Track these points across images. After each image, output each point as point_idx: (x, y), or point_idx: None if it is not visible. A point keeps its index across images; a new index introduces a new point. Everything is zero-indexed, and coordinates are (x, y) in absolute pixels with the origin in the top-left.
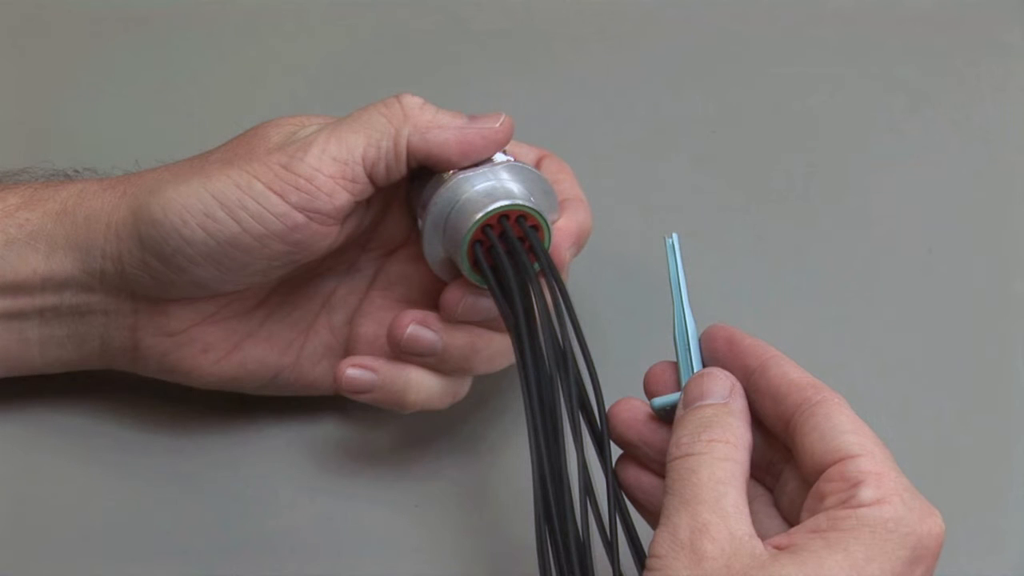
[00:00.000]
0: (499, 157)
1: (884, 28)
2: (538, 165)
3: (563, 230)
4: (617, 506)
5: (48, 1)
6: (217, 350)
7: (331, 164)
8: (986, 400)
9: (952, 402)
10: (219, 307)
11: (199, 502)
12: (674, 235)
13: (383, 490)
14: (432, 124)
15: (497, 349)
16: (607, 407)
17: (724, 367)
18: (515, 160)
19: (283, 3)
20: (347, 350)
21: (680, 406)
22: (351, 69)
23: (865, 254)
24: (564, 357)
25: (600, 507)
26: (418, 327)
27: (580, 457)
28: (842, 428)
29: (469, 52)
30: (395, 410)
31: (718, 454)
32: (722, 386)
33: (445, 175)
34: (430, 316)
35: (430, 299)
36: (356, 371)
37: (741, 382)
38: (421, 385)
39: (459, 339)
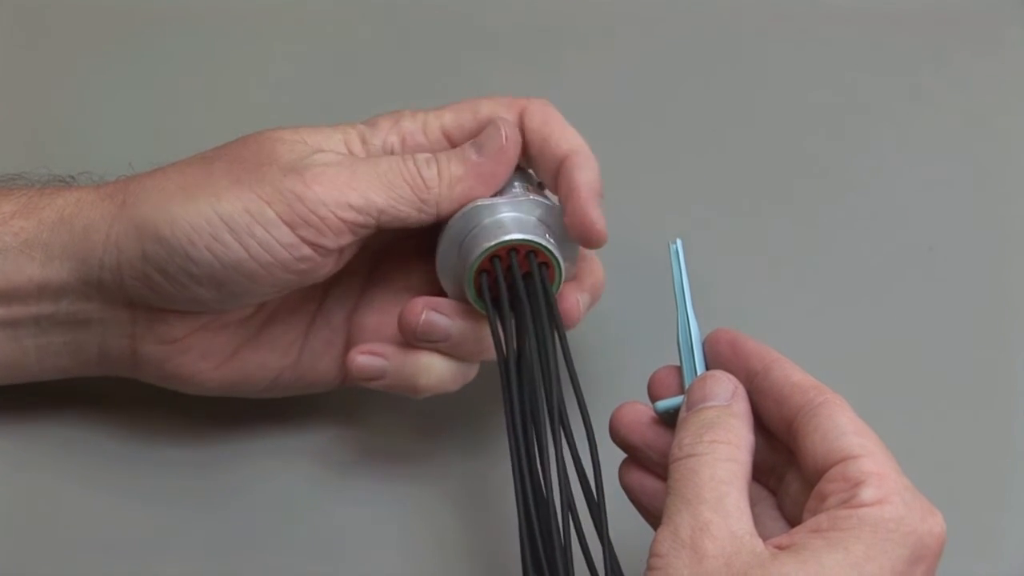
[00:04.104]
0: (526, 188)
1: (885, 25)
2: (520, 120)
3: (584, 187)
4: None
5: (44, 1)
6: (216, 357)
7: (348, 211)
8: (986, 400)
9: (952, 401)
10: (217, 314)
11: (197, 505)
12: (678, 240)
13: (383, 490)
14: (453, 184)
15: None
16: (609, 414)
17: (727, 370)
18: (536, 195)
19: (283, 1)
20: (351, 341)
21: (683, 408)
22: (351, 67)
23: (865, 252)
24: (551, 403)
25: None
26: (432, 313)
27: (565, 500)
28: (844, 429)
29: (471, 48)
30: (407, 395)
31: (720, 455)
32: (725, 388)
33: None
34: (441, 302)
35: (431, 285)
36: (367, 358)
37: (744, 385)
38: (432, 369)
39: (472, 323)
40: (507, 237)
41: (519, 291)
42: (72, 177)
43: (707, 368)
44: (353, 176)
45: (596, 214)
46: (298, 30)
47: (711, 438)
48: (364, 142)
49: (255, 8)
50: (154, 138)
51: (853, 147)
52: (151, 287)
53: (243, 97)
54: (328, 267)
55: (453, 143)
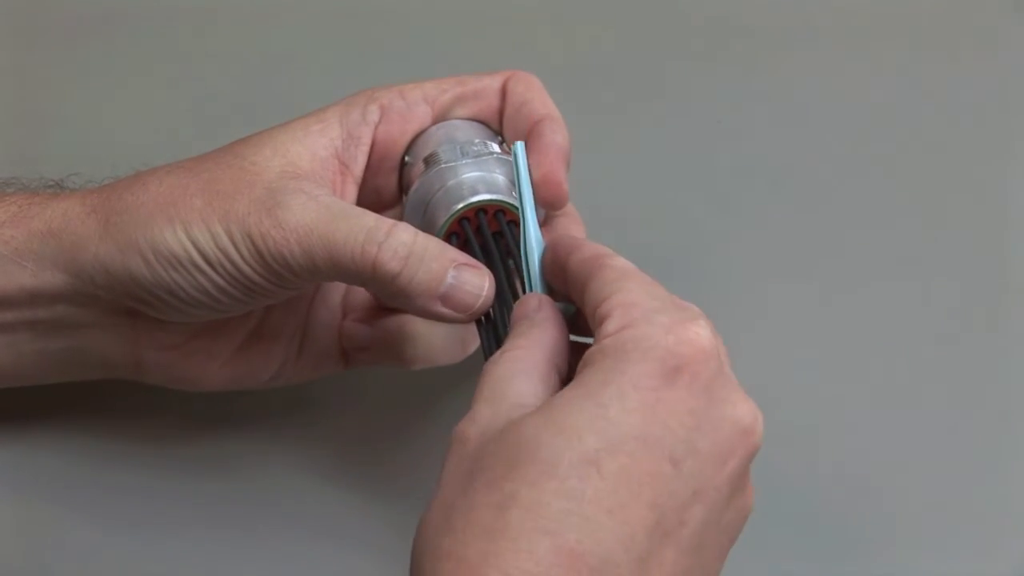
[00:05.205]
0: (491, 146)
1: (888, 19)
2: (504, 86)
3: (554, 147)
4: None
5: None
6: (221, 356)
7: (296, 266)
8: (987, 398)
9: (952, 400)
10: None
11: (195, 507)
12: (518, 143)
13: (385, 490)
14: (392, 283)
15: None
16: None
17: (551, 277)
18: (503, 153)
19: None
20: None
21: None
22: (343, 57)
23: (866, 247)
24: None
25: None
26: None
27: None
28: (605, 279)
29: (467, 35)
30: (402, 366)
31: (506, 357)
32: (528, 305)
33: (433, 161)
34: None
35: None
36: (354, 325)
37: (563, 285)
38: (419, 336)
39: None
40: (475, 198)
41: (493, 253)
42: (58, 183)
43: (542, 277)
44: (309, 233)
45: (562, 175)
46: (288, 27)
47: (503, 350)
48: (341, 122)
49: (245, 7)
50: (141, 137)
51: (855, 140)
52: (145, 303)
53: (231, 96)
54: (308, 287)
55: (435, 109)
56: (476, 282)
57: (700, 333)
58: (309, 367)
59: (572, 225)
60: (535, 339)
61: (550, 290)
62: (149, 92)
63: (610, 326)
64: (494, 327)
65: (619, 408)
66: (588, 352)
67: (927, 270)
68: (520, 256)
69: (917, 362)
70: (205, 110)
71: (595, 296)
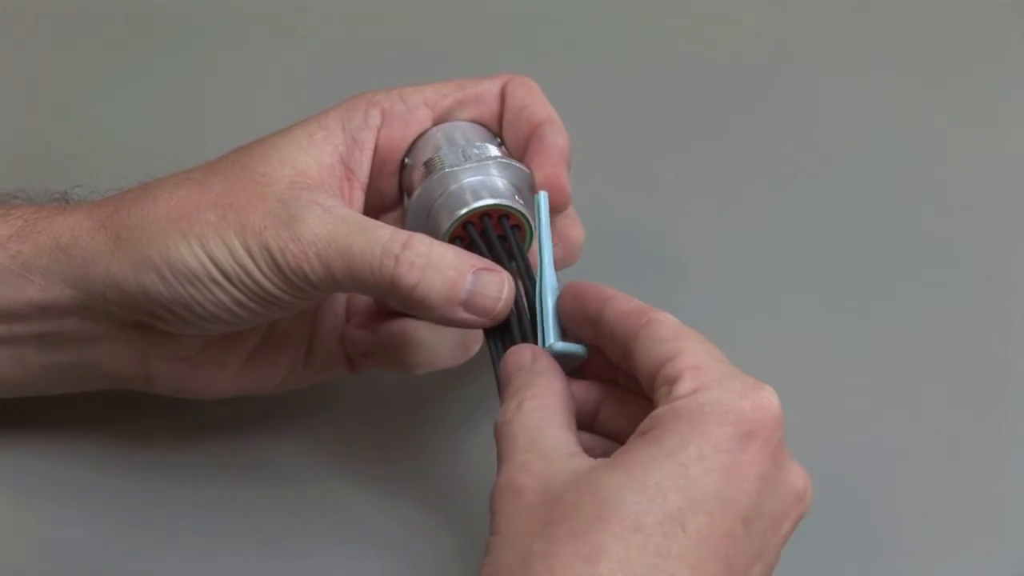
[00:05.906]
0: (491, 150)
1: (890, 19)
2: (503, 90)
3: (555, 149)
4: None
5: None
6: (231, 365)
7: (314, 278)
8: (987, 398)
9: (952, 399)
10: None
11: (200, 511)
12: (542, 193)
13: (389, 491)
14: (411, 295)
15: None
16: None
17: (572, 321)
18: (504, 156)
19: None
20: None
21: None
22: (342, 58)
23: (868, 247)
24: None
25: None
26: None
27: None
28: (663, 337)
29: (474, 40)
30: (406, 371)
31: (527, 409)
32: (523, 356)
33: (434, 165)
34: None
35: None
36: (357, 331)
37: (589, 332)
38: (421, 341)
39: None
40: (479, 203)
41: (500, 256)
42: (65, 195)
43: (559, 322)
44: (327, 247)
45: (565, 177)
46: (295, 24)
47: (518, 400)
48: (344, 128)
49: (245, 12)
50: (144, 146)
51: (858, 138)
52: (158, 318)
53: (231, 101)
54: (326, 297)
55: (435, 113)
56: (495, 285)
57: (771, 400)
58: (315, 372)
59: (571, 226)
60: (546, 388)
61: (562, 331)
62: (149, 100)
63: (682, 388)
64: (501, 329)
65: (700, 468)
66: (658, 412)
67: (929, 270)
68: (520, 259)
69: (917, 362)
70: (205, 116)
71: (653, 355)
